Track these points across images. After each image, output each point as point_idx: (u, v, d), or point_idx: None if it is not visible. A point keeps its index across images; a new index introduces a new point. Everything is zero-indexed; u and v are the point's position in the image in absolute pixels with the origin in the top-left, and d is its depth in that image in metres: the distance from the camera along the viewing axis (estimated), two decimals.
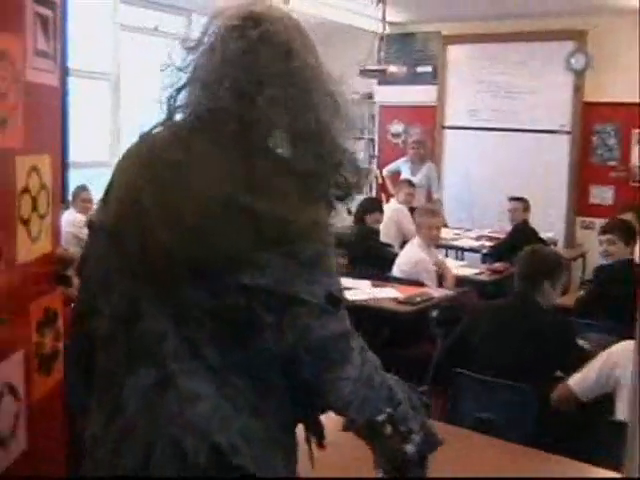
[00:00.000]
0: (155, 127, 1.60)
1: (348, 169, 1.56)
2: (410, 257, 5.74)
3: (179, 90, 1.58)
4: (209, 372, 1.44)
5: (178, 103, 1.58)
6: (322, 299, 1.44)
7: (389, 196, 8.43)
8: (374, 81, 9.42)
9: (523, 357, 3.50)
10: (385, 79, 8.75)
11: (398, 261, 5.83)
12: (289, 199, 1.46)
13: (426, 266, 5.65)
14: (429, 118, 9.33)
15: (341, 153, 1.55)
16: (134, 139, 1.63)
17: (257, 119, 1.48)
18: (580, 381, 3.28)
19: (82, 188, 6.61)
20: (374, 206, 6.92)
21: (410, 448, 1.50)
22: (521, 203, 7.19)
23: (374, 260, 6.08)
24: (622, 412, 3.01)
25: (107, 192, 1.60)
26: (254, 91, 1.48)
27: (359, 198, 7.45)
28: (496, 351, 3.59)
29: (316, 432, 1.59)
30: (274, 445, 1.50)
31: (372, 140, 10.00)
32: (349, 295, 4.92)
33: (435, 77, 9.29)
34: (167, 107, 1.60)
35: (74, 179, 7.29)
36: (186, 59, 1.57)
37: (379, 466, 1.54)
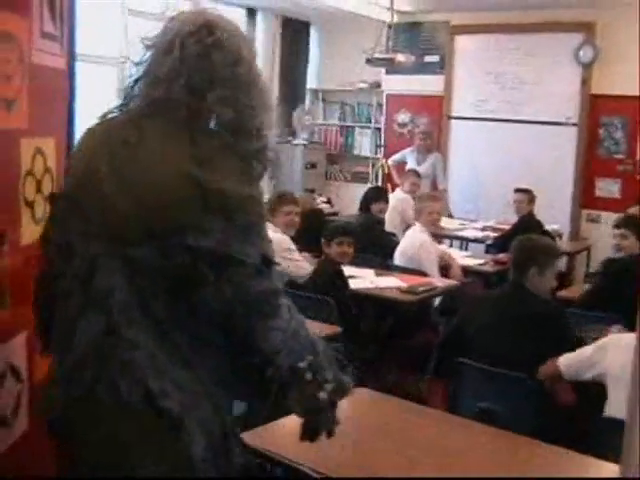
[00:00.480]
0: (111, 112, 1.88)
1: (271, 153, 1.88)
2: (413, 241, 5.76)
3: (136, 81, 1.85)
4: (153, 325, 1.69)
5: (135, 92, 1.85)
6: (257, 260, 1.70)
7: (394, 186, 8.43)
8: (382, 70, 9.39)
9: (519, 345, 3.51)
10: (393, 68, 8.72)
11: (400, 247, 5.84)
12: (232, 176, 1.73)
13: (428, 248, 5.66)
14: (436, 108, 9.30)
15: (267, 140, 1.86)
16: None
17: (207, 109, 1.79)
18: (569, 361, 3.34)
19: None
20: (379, 195, 6.93)
21: (323, 395, 1.75)
22: (526, 195, 7.17)
23: (378, 249, 6.09)
24: (613, 407, 3.02)
25: (67, 170, 1.89)
26: (206, 89, 1.77)
27: (365, 187, 7.45)
28: (492, 340, 3.60)
29: (263, 396, 1.78)
30: (205, 397, 1.73)
31: (378, 129, 9.98)
32: (353, 283, 4.92)
33: (442, 67, 9.25)
34: (124, 95, 1.88)
35: None
36: (144, 55, 1.86)
37: (294, 411, 1.80)
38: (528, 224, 6.76)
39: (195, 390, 1.71)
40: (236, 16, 9.20)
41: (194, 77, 1.77)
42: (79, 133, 2.02)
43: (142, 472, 1.67)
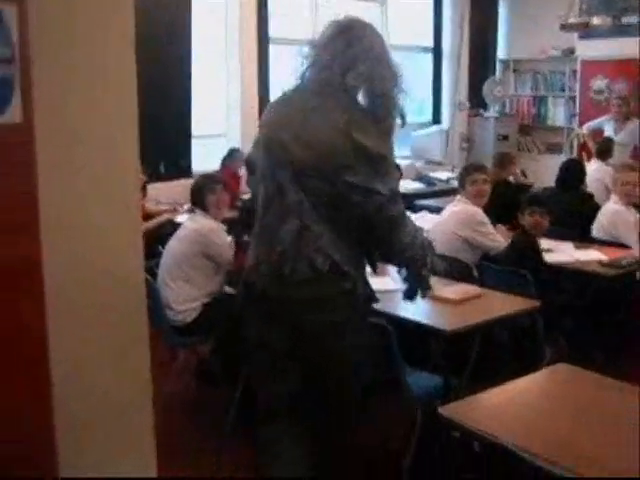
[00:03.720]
0: (288, 92, 2.71)
1: (398, 113, 2.66)
2: (607, 212, 5.53)
3: (307, 69, 2.65)
4: (327, 223, 2.58)
5: (306, 76, 2.65)
6: (388, 192, 2.56)
7: (590, 155, 8.11)
8: (575, 35, 9.05)
9: None
10: (587, 32, 8.39)
11: (597, 220, 5.62)
12: (373, 135, 2.55)
13: (625, 217, 5.41)
14: (634, 73, 8.83)
15: (395, 104, 2.63)
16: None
17: (352, 86, 2.58)
18: None
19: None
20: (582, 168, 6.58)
21: (425, 272, 2.75)
22: None
23: (578, 221, 5.86)
24: None
25: (260, 129, 2.82)
26: (351, 69, 2.56)
27: (559, 158, 7.16)
28: None
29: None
30: (358, 265, 2.69)
31: (573, 98, 9.64)
32: (551, 257, 4.80)
33: None
34: (299, 78, 2.67)
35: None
36: (309, 51, 2.66)
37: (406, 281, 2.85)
38: None
39: (357, 261, 2.69)
40: None
41: (344, 63, 2.57)
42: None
43: (337, 306, 2.63)
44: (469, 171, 5.23)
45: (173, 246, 4.39)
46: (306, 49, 2.67)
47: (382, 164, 2.55)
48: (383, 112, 2.60)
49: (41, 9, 2.19)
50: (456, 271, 4.38)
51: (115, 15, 2.43)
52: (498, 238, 4.99)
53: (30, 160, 2.18)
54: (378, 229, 2.62)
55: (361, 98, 2.63)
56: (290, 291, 2.62)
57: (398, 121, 2.69)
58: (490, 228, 5.02)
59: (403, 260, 2.73)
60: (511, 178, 7.02)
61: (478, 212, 5.05)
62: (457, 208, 5.14)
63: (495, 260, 4.73)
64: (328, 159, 2.52)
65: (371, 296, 2.76)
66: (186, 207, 5.32)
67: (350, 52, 2.57)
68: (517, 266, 4.42)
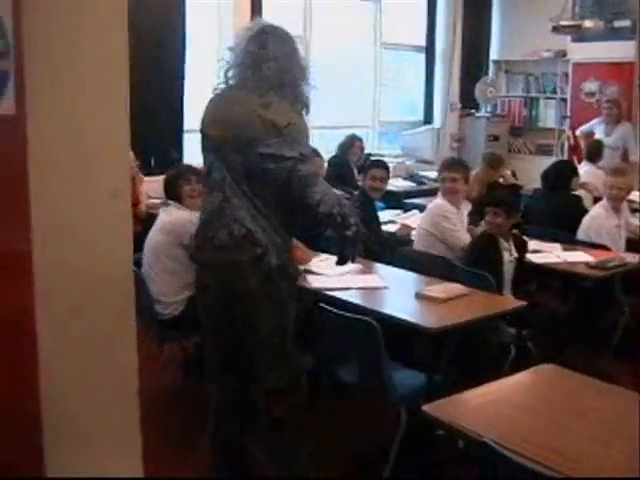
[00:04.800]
0: (217, 89, 3.17)
1: (305, 97, 3.11)
2: (590, 215, 5.53)
3: (227, 70, 3.11)
4: (246, 197, 3.01)
5: (229, 75, 3.11)
6: (298, 154, 2.94)
7: (581, 158, 8.14)
8: (567, 38, 9.08)
9: None
10: (579, 35, 8.42)
11: (582, 223, 5.61)
12: (280, 112, 2.98)
13: (599, 222, 5.40)
14: (626, 76, 8.89)
15: (302, 89, 3.10)
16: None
17: (266, 76, 3.02)
18: None
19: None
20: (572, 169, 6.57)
21: (349, 233, 3.01)
22: None
23: (565, 223, 5.87)
24: None
25: (202, 121, 3.20)
26: (265, 64, 3.02)
27: (549, 160, 7.18)
28: None
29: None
30: (277, 235, 3.04)
31: (564, 100, 9.67)
32: (539, 257, 4.82)
33: (633, 32, 8.79)
34: (224, 78, 3.13)
35: None
36: (229, 55, 3.12)
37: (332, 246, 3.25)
38: None
39: (272, 230, 3.02)
40: None
41: (259, 61, 3.02)
42: None
43: (248, 271, 3.01)
44: (441, 169, 5.21)
45: (150, 239, 4.40)
46: (227, 53, 3.14)
47: (290, 133, 2.95)
48: (292, 98, 3.06)
49: (35, 2, 2.19)
50: (436, 268, 4.39)
51: (108, 7, 2.45)
52: (460, 235, 4.93)
53: (22, 152, 2.19)
54: (292, 190, 2.96)
55: (274, 90, 3.05)
56: (212, 256, 3.09)
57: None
58: (453, 224, 4.96)
59: (322, 218, 2.99)
60: (501, 180, 7.03)
61: (442, 206, 5.01)
62: (430, 204, 5.16)
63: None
64: (242, 135, 2.97)
65: (286, 266, 3.09)
66: (159, 201, 5.22)
67: (264, 51, 3.03)
68: (477, 266, 4.41)
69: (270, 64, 3.03)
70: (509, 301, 4.04)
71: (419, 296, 3.76)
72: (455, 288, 3.85)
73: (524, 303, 3.81)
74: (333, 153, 7.98)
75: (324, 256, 4.52)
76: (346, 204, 3.03)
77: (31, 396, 2.29)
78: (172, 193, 4.50)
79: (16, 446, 2.23)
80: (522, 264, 4.61)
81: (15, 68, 2.08)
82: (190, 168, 4.71)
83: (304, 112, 3.14)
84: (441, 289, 3.82)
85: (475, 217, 5.09)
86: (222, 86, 3.16)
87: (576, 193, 6.20)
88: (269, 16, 7.80)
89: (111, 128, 2.51)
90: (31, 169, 2.23)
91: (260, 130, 2.94)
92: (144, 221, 5.30)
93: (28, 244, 2.24)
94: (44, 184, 2.30)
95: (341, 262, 3.14)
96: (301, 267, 4.01)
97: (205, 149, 3.16)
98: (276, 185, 2.98)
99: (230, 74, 3.12)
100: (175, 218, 4.34)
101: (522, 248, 4.68)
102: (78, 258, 2.47)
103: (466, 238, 4.89)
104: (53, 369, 2.38)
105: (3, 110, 2.05)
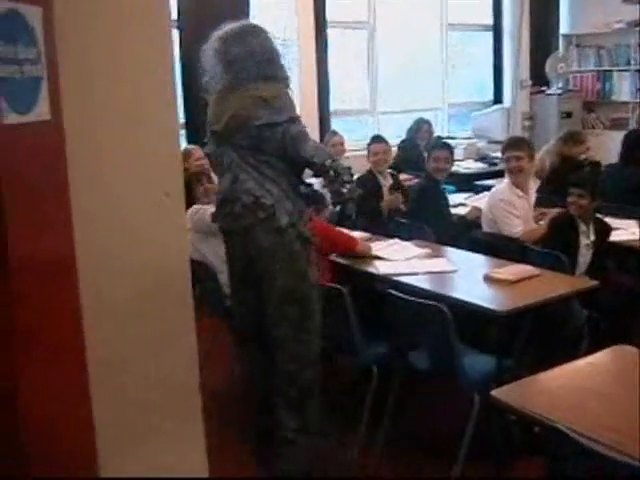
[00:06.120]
0: (213, 93, 3.53)
1: (284, 75, 3.48)
2: None
3: (215, 68, 3.46)
4: (253, 170, 3.36)
5: (217, 75, 3.47)
6: (286, 117, 3.31)
7: None
8: (639, 6, 8.80)
9: None
10: None
11: None
12: (266, 89, 3.33)
13: None
14: None
15: (279, 71, 3.47)
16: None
17: (242, 68, 3.37)
18: None
19: (333, 133, 6.95)
20: None
21: (344, 189, 3.36)
22: None
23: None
24: None
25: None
26: (248, 58, 3.37)
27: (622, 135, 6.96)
28: None
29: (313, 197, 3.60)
30: (285, 198, 3.36)
31: (638, 71, 9.39)
32: (615, 235, 4.68)
33: None
34: (209, 78, 3.48)
35: (337, 126, 7.55)
36: (216, 57, 3.45)
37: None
38: None
39: (280, 192, 3.35)
40: None
41: (233, 60, 3.38)
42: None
43: (257, 230, 3.34)
44: (504, 148, 5.11)
45: None
46: (205, 60, 3.51)
47: (275, 102, 3.33)
48: (273, 79, 3.41)
49: (66, 8, 2.21)
50: (507, 250, 4.31)
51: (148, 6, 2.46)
52: (511, 223, 4.85)
53: (60, 157, 2.20)
54: (287, 149, 3.31)
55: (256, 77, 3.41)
56: (230, 224, 3.46)
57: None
58: (509, 211, 4.87)
59: (318, 170, 3.38)
60: (582, 156, 6.84)
61: (503, 191, 4.94)
62: (493, 188, 5.07)
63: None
64: (241, 116, 3.34)
65: (297, 226, 3.37)
66: None
67: (244, 48, 3.40)
68: (554, 247, 4.31)
69: (254, 57, 3.38)
70: (582, 281, 3.94)
71: (488, 278, 3.71)
72: (524, 269, 3.78)
73: (597, 283, 3.71)
74: (403, 137, 7.94)
75: (392, 241, 4.49)
76: (338, 161, 3.41)
77: (82, 403, 2.29)
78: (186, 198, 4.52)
79: (69, 448, 2.23)
80: (600, 250, 4.49)
81: (48, 74, 2.08)
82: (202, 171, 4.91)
83: (288, 88, 3.47)
84: (510, 271, 3.76)
85: (546, 195, 4.98)
86: (216, 87, 3.50)
87: None
88: (333, 4, 7.78)
89: (161, 128, 2.54)
90: (71, 174, 2.24)
91: (253, 108, 3.32)
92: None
93: (71, 248, 2.24)
94: (84, 187, 2.30)
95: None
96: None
97: (214, 144, 3.52)
98: (276, 149, 3.32)
99: (219, 72, 3.45)
100: (188, 215, 4.33)
101: (604, 234, 4.56)
102: (125, 259, 2.47)
103: (518, 229, 4.81)
104: (103, 374, 2.37)
105: (39, 116, 2.05)
